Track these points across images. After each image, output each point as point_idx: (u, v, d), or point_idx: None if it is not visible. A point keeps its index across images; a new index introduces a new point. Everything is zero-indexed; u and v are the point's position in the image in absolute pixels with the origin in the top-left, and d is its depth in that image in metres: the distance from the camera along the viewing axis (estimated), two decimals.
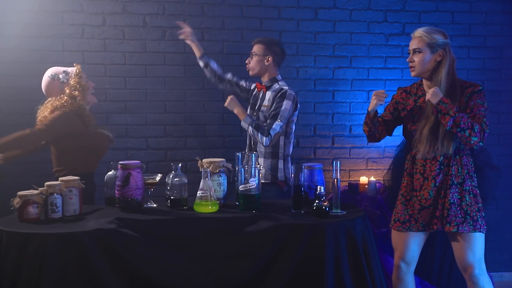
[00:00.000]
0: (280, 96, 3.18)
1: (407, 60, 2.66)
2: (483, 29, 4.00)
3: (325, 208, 2.31)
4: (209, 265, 2.21)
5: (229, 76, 3.48)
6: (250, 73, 3.35)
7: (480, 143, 2.48)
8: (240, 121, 3.21)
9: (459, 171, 2.58)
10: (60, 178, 2.43)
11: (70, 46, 3.56)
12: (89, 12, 3.56)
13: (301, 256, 2.19)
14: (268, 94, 3.26)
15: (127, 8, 3.61)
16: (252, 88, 3.44)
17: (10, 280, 2.03)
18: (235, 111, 3.19)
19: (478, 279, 2.58)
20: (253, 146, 3.30)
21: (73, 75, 2.98)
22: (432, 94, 2.49)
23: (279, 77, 3.33)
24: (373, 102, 2.70)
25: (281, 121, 3.13)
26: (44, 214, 2.32)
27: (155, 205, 2.51)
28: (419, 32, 2.61)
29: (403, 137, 3.87)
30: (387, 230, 3.49)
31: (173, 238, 2.24)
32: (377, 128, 2.80)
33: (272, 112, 3.16)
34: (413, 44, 2.62)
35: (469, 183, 2.59)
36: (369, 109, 2.74)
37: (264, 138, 3.11)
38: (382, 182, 3.84)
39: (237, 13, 3.74)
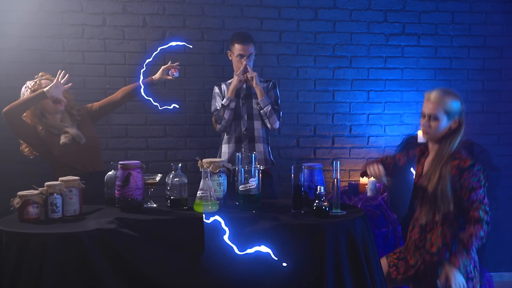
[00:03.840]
0: (273, 85, 3.42)
1: (421, 124, 2.51)
2: (483, 29, 4.01)
3: (325, 208, 2.31)
4: (208, 265, 2.21)
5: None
6: (243, 74, 3.33)
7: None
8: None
9: (435, 240, 2.48)
10: (60, 178, 2.42)
11: (70, 46, 3.56)
12: (89, 12, 3.57)
13: (301, 256, 2.19)
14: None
15: (127, 8, 3.61)
16: (236, 81, 3.36)
17: (10, 280, 2.03)
18: (259, 88, 3.28)
19: None
20: (245, 133, 3.32)
21: (28, 90, 2.90)
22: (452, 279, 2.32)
23: None
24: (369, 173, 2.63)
25: (280, 109, 3.40)
26: (44, 214, 2.32)
27: (155, 205, 2.51)
28: (435, 96, 2.44)
29: (403, 136, 3.90)
30: (387, 230, 3.50)
31: (173, 238, 2.24)
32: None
33: (274, 101, 3.38)
34: (429, 109, 2.46)
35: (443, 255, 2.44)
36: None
37: (277, 121, 3.34)
38: None
39: (237, 13, 3.74)
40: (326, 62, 3.87)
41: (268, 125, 3.33)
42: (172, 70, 3.17)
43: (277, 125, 3.33)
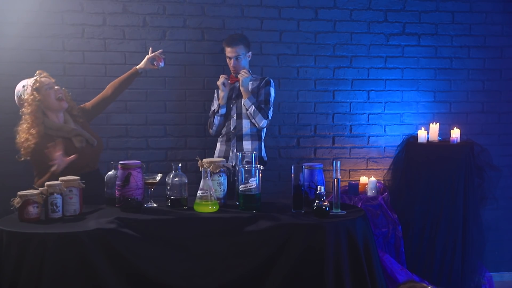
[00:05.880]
0: (265, 83, 3.41)
1: None
2: (483, 29, 4.00)
3: (325, 208, 2.31)
4: (209, 265, 2.22)
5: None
6: (236, 74, 3.41)
7: None
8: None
9: None
10: (60, 178, 2.42)
11: (70, 46, 3.56)
12: (89, 12, 3.56)
13: (301, 256, 2.19)
14: (249, 85, 3.39)
15: (127, 8, 3.61)
16: (221, 91, 3.42)
17: (10, 280, 2.03)
18: (243, 89, 3.32)
19: None
20: (233, 131, 3.40)
21: (28, 88, 2.83)
22: None
23: (249, 69, 3.48)
24: None
25: (271, 107, 3.40)
26: (44, 214, 2.32)
27: (155, 205, 2.51)
28: None
29: (403, 136, 3.91)
30: (387, 230, 3.50)
31: (173, 238, 2.24)
32: None
33: (263, 99, 3.38)
34: None
35: None
36: None
37: (264, 120, 3.33)
38: (382, 182, 3.85)
39: (237, 13, 3.74)
40: (326, 62, 3.87)
41: (256, 125, 3.36)
42: (158, 59, 3.12)
43: (263, 124, 3.34)
